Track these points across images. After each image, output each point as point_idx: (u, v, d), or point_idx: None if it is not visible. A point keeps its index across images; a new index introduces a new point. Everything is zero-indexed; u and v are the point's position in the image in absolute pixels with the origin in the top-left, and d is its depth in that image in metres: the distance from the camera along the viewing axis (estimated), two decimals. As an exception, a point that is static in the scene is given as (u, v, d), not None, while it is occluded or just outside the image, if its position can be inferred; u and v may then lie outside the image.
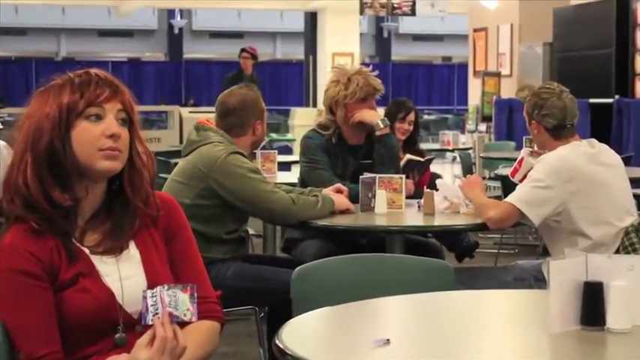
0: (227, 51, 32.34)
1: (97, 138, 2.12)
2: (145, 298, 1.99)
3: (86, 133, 2.12)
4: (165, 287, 1.99)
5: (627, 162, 5.64)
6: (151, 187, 2.23)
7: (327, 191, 4.12)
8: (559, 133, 3.96)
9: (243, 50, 11.72)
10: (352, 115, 4.51)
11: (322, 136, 4.56)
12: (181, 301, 1.99)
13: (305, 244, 4.46)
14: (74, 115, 2.12)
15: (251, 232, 5.02)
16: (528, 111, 4.01)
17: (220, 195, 3.85)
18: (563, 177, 3.80)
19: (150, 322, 1.98)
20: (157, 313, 1.98)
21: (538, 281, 3.92)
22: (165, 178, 4.12)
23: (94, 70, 2.19)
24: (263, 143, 4.59)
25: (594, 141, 4.01)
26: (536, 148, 4.15)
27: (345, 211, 4.08)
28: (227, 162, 3.85)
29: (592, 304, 2.18)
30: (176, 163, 4.27)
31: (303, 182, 4.52)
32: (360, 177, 4.21)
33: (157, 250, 2.24)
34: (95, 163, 2.12)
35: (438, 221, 4.08)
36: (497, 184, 8.04)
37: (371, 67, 4.62)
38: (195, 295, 2.01)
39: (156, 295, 1.98)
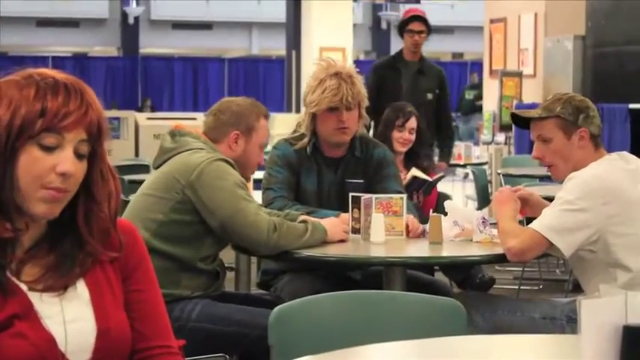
0: (192, 45, 32.47)
1: (44, 172, 2.05)
2: None
3: (35, 163, 2.05)
4: None
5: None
6: (112, 224, 2.19)
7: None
8: (598, 142, 3.97)
9: (409, 21, 8.32)
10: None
11: (291, 146, 4.56)
12: None
13: (285, 279, 4.45)
14: (26, 137, 2.04)
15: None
16: (568, 120, 3.93)
17: (197, 209, 3.84)
18: (601, 198, 3.78)
19: None
20: None
21: (571, 322, 3.90)
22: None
23: (62, 78, 2.09)
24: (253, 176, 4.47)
25: (627, 154, 3.99)
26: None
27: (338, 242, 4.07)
28: (208, 170, 3.83)
29: (633, 352, 2.19)
30: (130, 181, 4.27)
31: None
32: (351, 195, 4.19)
33: (112, 289, 2.21)
34: (31, 201, 2.05)
35: (447, 251, 4.08)
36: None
37: (356, 67, 4.54)
38: None
39: None
